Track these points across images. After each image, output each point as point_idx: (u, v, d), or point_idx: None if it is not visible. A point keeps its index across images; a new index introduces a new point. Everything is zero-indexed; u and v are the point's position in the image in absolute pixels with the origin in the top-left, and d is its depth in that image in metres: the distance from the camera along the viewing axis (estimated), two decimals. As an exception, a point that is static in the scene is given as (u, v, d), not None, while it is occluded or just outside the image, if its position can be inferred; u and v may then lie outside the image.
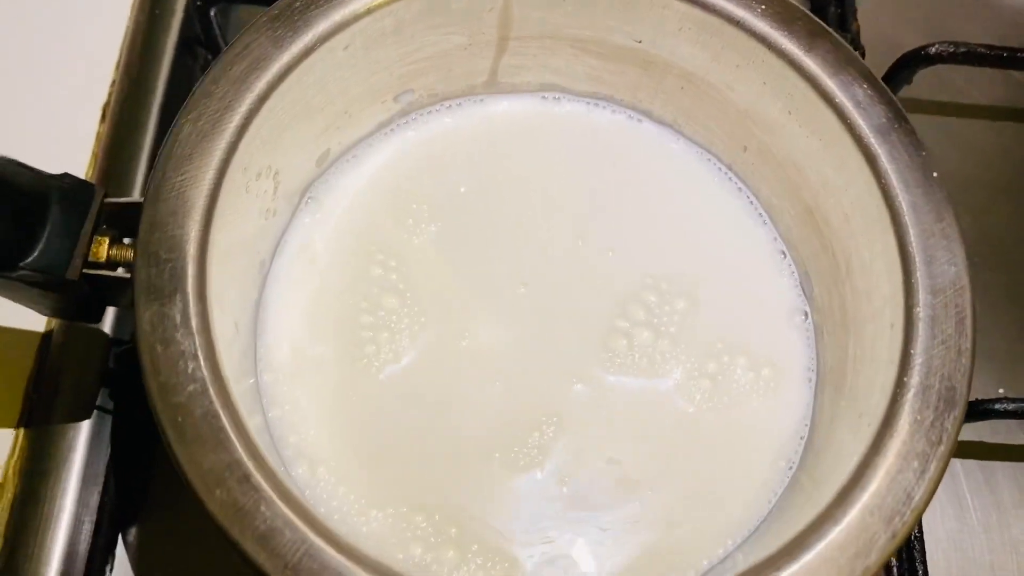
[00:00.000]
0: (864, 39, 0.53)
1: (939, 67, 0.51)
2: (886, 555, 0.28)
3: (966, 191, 0.53)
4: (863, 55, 0.52)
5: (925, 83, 0.53)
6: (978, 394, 0.46)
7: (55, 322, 0.41)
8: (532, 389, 0.37)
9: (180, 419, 0.28)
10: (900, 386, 0.30)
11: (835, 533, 0.28)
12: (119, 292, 0.33)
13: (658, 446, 0.37)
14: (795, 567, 0.28)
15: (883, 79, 0.49)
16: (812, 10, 0.54)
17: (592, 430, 0.37)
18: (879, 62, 0.52)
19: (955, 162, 0.54)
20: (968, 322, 0.31)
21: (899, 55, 0.51)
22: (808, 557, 0.28)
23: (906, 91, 0.52)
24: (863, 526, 0.28)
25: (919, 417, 0.30)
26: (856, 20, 0.53)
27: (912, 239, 0.32)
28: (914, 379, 0.30)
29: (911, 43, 0.51)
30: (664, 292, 0.39)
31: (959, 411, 0.30)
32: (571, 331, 0.38)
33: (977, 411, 0.43)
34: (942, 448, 0.29)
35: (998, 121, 0.56)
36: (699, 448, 0.37)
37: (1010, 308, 0.50)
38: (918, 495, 0.29)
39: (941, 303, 0.31)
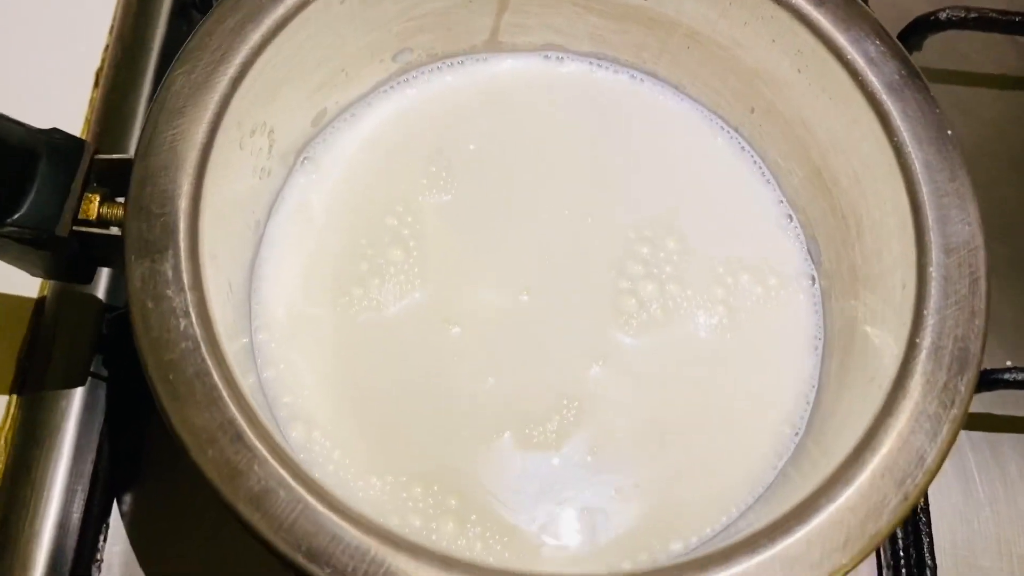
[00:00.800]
0: (873, 3, 0.53)
1: (948, 34, 0.50)
2: (897, 518, 0.27)
3: (974, 161, 0.51)
4: (872, 22, 0.51)
5: (934, 51, 0.52)
6: (986, 364, 0.46)
7: (48, 289, 0.41)
8: (550, 368, 0.37)
9: (171, 377, 0.27)
10: (912, 347, 0.30)
11: (846, 495, 0.28)
12: (111, 251, 0.32)
13: (673, 407, 0.37)
14: (805, 529, 0.27)
15: (892, 45, 0.49)
16: (819, -24, 0.54)
17: (613, 406, 0.36)
18: (889, 28, 0.51)
19: (963, 132, 0.53)
20: (982, 283, 0.31)
21: (909, 20, 0.50)
22: (819, 519, 0.28)
23: (915, 58, 0.52)
24: (874, 488, 0.28)
25: (932, 378, 0.29)
26: (864, -14, 0.53)
27: (925, 197, 0.32)
28: (927, 340, 0.30)
29: (921, 9, 0.50)
30: (652, 239, 0.39)
31: (972, 373, 0.29)
32: (579, 300, 0.38)
33: (986, 380, 0.42)
34: (955, 411, 0.29)
35: (1007, 90, 0.55)
36: (714, 403, 0.37)
37: (1018, 279, 0.50)
38: (930, 457, 0.28)
39: (955, 263, 0.31)
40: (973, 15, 0.48)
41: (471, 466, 0.35)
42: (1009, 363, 0.47)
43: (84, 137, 0.45)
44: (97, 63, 0.46)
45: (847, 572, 0.27)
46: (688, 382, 0.37)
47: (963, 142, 0.52)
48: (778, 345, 0.38)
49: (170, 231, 0.29)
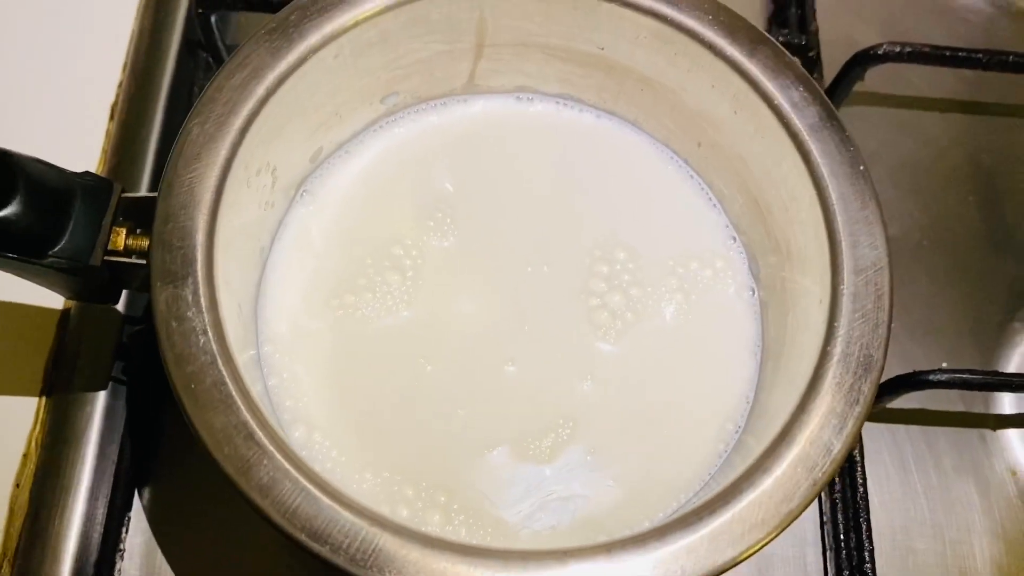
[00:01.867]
0: (823, 37, 0.56)
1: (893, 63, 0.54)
2: (808, 500, 0.32)
3: (918, 179, 0.57)
4: (819, 54, 0.55)
5: (881, 78, 0.56)
6: (923, 366, 0.50)
7: (72, 302, 0.44)
8: (539, 390, 0.40)
9: (193, 386, 0.32)
10: (824, 355, 0.34)
11: (766, 483, 0.32)
12: (134, 276, 0.36)
13: (647, 403, 0.41)
14: (731, 510, 0.32)
15: (837, 77, 0.54)
16: (774, 11, 0.59)
17: (602, 414, 0.40)
18: (837, 59, 0.55)
19: (908, 152, 0.57)
20: (886, 298, 0.35)
21: (855, 51, 0.54)
22: (741, 502, 0.32)
23: (862, 85, 0.56)
24: (788, 476, 0.32)
25: (840, 381, 0.34)
26: (815, 20, 0.57)
27: (839, 225, 0.36)
28: (837, 348, 0.34)
29: (868, 41, 0.54)
30: (610, 257, 0.43)
31: (875, 375, 0.34)
32: (558, 321, 0.42)
33: (916, 382, 0.46)
34: (858, 408, 0.33)
35: (948, 113, 0.59)
36: (667, 401, 0.40)
37: (955, 286, 0.53)
38: (836, 448, 0.33)
39: (863, 281, 0.35)
40: (908, 49, 0.53)
41: (463, 470, 0.38)
42: (945, 364, 0.51)
43: (102, 165, 0.48)
44: (112, 98, 0.49)
45: (764, 544, 0.31)
46: (660, 375, 0.41)
47: (907, 161, 0.57)
48: (723, 351, 0.42)
49: (189, 261, 0.33)
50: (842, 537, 0.45)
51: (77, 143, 0.48)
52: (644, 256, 0.43)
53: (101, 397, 0.42)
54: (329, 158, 0.44)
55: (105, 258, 0.35)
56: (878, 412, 0.49)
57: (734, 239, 0.44)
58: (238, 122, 0.35)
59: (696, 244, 0.44)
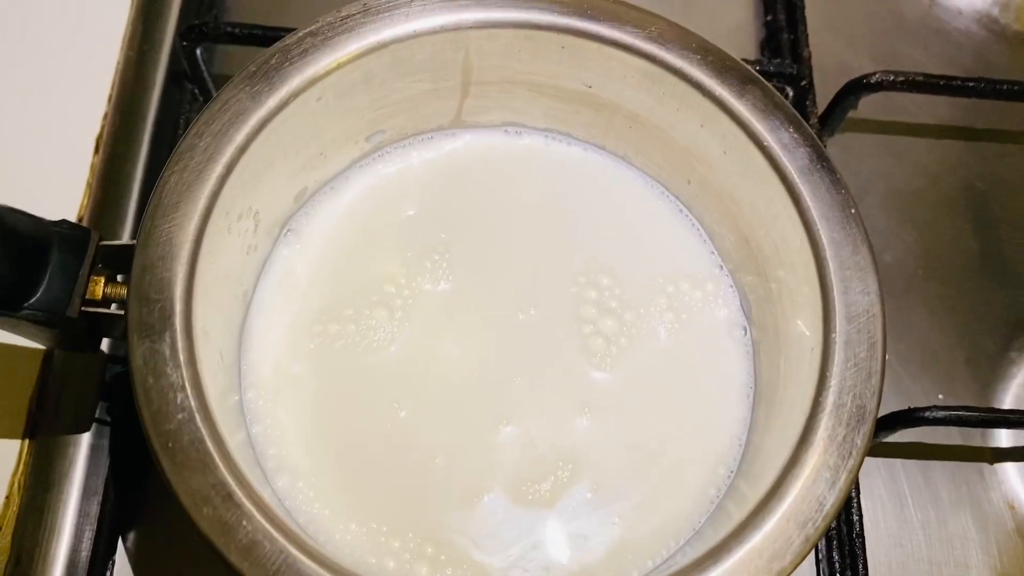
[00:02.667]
0: (815, 64, 0.56)
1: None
2: (800, 557, 0.31)
3: (912, 206, 0.56)
4: (811, 82, 0.55)
5: (875, 105, 0.55)
6: (919, 399, 0.50)
7: None
8: (535, 436, 0.40)
9: (171, 444, 0.31)
10: (816, 405, 0.34)
11: (756, 539, 0.32)
12: (113, 326, 0.36)
13: (645, 433, 0.40)
14: (719, 568, 0.31)
15: (830, 104, 0.53)
16: (766, 38, 0.58)
17: (601, 451, 0.39)
18: (830, 86, 0.55)
19: (902, 179, 0.57)
20: (879, 347, 0.34)
21: (849, 78, 0.53)
22: (731, 560, 0.31)
23: (855, 113, 0.55)
24: (780, 531, 0.32)
25: (832, 433, 0.33)
26: (808, 47, 0.56)
27: (831, 270, 0.36)
28: (829, 399, 0.34)
29: (861, 68, 0.54)
30: (599, 285, 0.42)
31: (868, 427, 0.33)
32: (551, 355, 0.41)
33: (912, 418, 0.45)
34: (852, 461, 0.33)
35: (943, 140, 0.58)
36: (664, 434, 0.40)
37: (951, 317, 0.53)
38: (829, 503, 0.32)
39: (855, 329, 0.35)
40: (901, 78, 0.52)
41: (451, 519, 0.38)
42: (941, 397, 0.50)
43: (87, 199, 0.47)
44: (97, 130, 0.49)
45: (754, 605, 0.31)
46: (657, 404, 0.41)
47: (901, 189, 0.56)
48: (716, 389, 0.41)
49: (167, 314, 0.33)
50: (838, 574, 0.45)
51: (62, 176, 0.48)
52: (632, 280, 0.43)
53: (85, 439, 0.42)
54: (314, 196, 0.43)
55: (83, 308, 0.35)
56: (874, 446, 0.48)
57: (722, 268, 0.43)
58: (218, 169, 0.35)
59: (687, 267, 0.43)
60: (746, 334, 0.42)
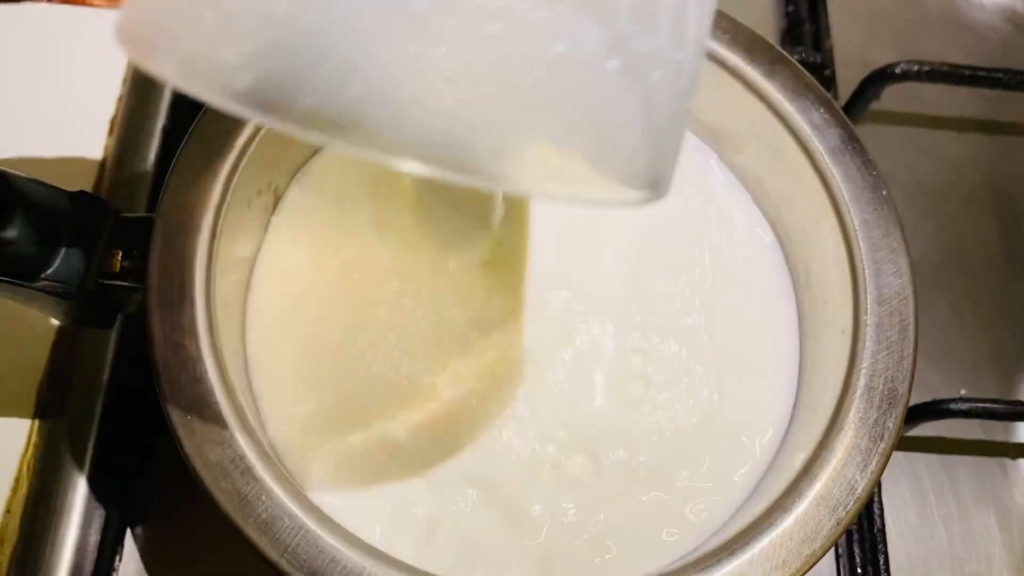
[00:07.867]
0: (837, 55, 0.56)
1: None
2: (831, 541, 0.31)
3: (935, 200, 0.56)
4: (833, 73, 0.54)
5: (897, 96, 0.55)
6: (941, 394, 0.49)
7: None
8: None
9: (189, 417, 0.31)
10: (847, 388, 0.33)
11: (786, 522, 0.31)
12: (130, 300, 0.35)
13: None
14: (750, 552, 0.31)
15: (853, 95, 0.53)
16: (788, 28, 0.58)
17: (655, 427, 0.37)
18: (852, 77, 0.54)
19: (925, 172, 0.56)
20: (911, 329, 0.34)
21: (872, 69, 0.53)
22: (761, 543, 0.31)
23: (878, 104, 0.55)
24: (811, 515, 0.31)
25: (864, 416, 0.32)
26: (830, 37, 0.56)
27: (861, 252, 0.35)
28: (860, 381, 0.33)
29: (883, 59, 0.53)
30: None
31: (900, 410, 0.33)
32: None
33: (936, 411, 0.45)
34: (883, 444, 0.32)
35: (966, 132, 0.58)
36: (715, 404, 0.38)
37: (974, 311, 0.52)
38: (861, 486, 0.31)
39: (887, 312, 0.34)
40: (926, 68, 0.52)
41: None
42: (964, 391, 0.49)
43: (101, 179, 0.46)
44: (112, 112, 0.49)
45: (785, 588, 0.30)
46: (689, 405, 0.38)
47: (923, 182, 0.56)
48: (761, 365, 0.39)
49: (187, 286, 0.32)
50: (859, 570, 0.44)
51: (77, 156, 0.48)
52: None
53: (95, 420, 0.42)
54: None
55: (100, 281, 0.34)
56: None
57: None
58: (239, 141, 0.34)
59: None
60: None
